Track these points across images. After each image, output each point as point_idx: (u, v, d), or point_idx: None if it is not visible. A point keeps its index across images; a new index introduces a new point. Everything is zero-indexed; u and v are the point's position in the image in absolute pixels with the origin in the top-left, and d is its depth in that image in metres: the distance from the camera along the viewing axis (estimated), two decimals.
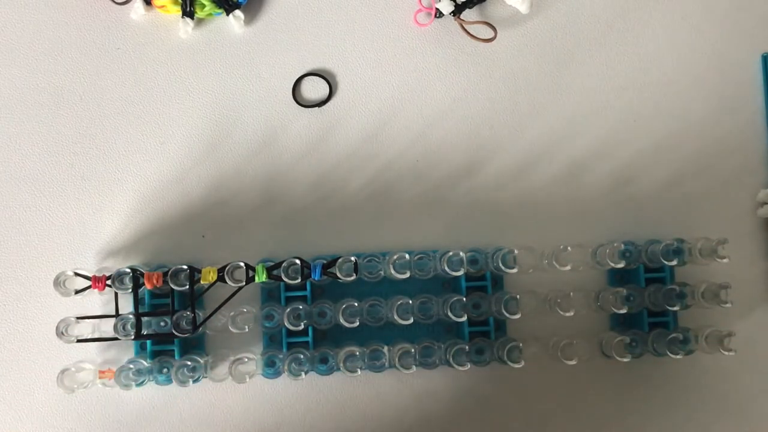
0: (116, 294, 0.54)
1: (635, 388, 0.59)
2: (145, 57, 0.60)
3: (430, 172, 0.60)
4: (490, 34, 0.60)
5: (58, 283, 0.53)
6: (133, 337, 0.53)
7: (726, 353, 0.55)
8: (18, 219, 0.58)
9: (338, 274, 0.53)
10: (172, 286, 0.53)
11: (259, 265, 0.53)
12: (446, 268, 0.54)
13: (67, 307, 0.56)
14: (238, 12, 0.59)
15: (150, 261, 0.58)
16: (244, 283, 0.53)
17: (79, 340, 0.53)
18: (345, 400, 0.58)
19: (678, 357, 0.56)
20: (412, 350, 0.54)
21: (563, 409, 0.59)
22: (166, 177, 0.59)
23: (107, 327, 0.54)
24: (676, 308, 0.56)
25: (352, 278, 0.53)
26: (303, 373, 0.54)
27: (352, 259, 0.53)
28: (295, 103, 0.60)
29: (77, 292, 0.53)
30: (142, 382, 0.54)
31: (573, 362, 0.55)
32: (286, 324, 0.54)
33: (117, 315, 0.53)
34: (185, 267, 0.53)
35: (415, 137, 0.60)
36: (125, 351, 0.57)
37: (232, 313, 0.54)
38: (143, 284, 0.53)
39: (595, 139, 0.61)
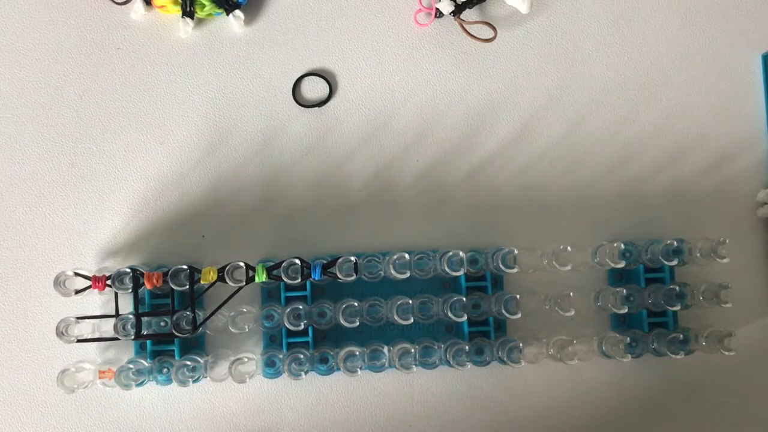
0: (116, 294, 0.54)
1: (635, 388, 0.59)
2: (145, 57, 0.60)
3: (430, 172, 0.60)
4: (490, 34, 0.60)
5: (58, 283, 0.53)
6: (133, 337, 0.53)
7: (726, 353, 0.55)
8: (18, 219, 0.58)
9: (338, 274, 0.53)
10: (172, 286, 0.53)
11: (259, 265, 0.53)
12: (446, 268, 0.54)
13: (67, 307, 0.56)
14: (238, 12, 0.59)
15: (150, 261, 0.58)
16: (244, 283, 0.53)
17: (79, 340, 0.53)
18: (345, 400, 0.58)
19: (678, 357, 0.56)
20: (412, 350, 0.54)
21: (563, 409, 0.59)
22: (166, 177, 0.59)
23: (107, 327, 0.54)
24: (676, 308, 0.56)
25: (352, 278, 0.53)
26: (303, 373, 0.54)
27: (352, 259, 0.53)
28: (295, 103, 0.60)
29: (77, 292, 0.53)
30: (142, 382, 0.54)
31: (573, 362, 0.55)
32: (286, 324, 0.54)
33: (117, 315, 0.53)
34: (185, 267, 0.53)
35: (414, 137, 0.60)
36: (125, 351, 0.57)
37: (232, 313, 0.54)
38: (143, 284, 0.53)
39: (594, 139, 0.61)
